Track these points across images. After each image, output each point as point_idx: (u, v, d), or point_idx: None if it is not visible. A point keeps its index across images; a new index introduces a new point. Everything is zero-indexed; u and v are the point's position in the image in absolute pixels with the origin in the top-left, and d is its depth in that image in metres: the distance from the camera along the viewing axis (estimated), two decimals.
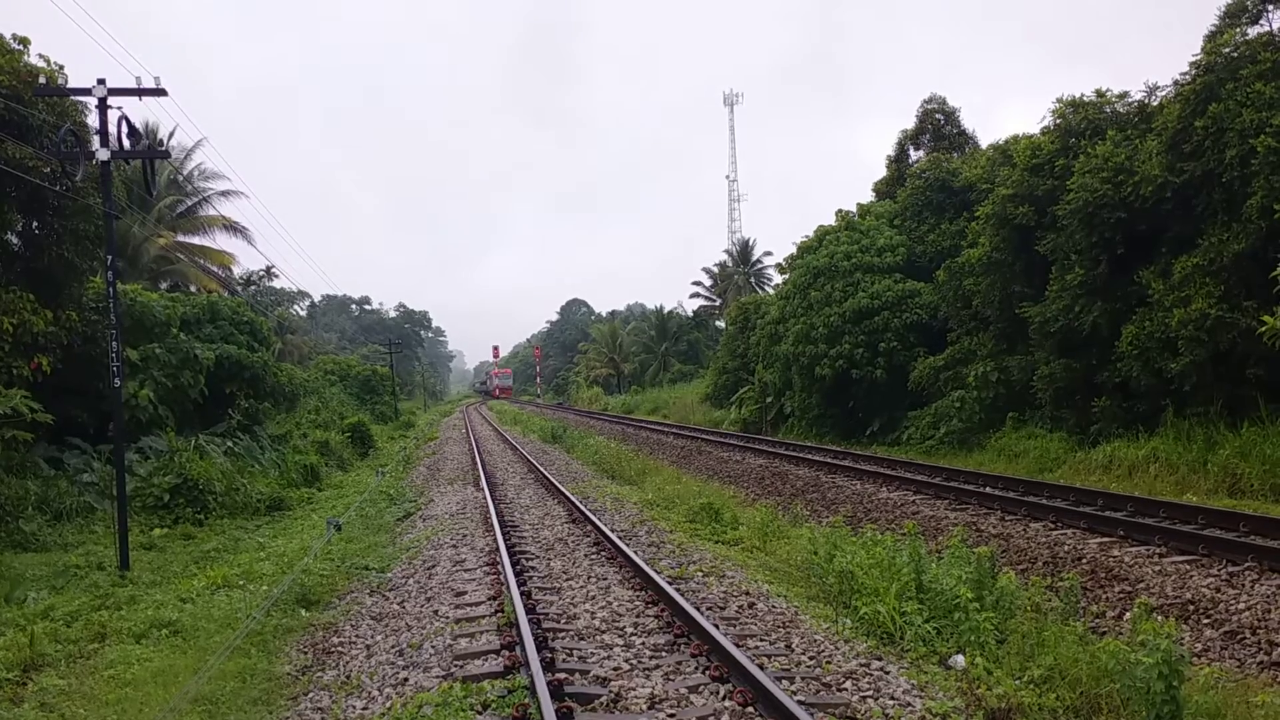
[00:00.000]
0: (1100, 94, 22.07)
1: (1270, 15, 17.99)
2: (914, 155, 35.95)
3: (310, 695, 7.65)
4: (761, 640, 7.97)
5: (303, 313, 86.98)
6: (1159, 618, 8.40)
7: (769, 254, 77.85)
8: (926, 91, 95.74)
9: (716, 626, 7.97)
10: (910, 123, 36.16)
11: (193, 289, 35.69)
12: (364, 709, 7.04)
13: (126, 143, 13.74)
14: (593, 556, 12.12)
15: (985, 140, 33.84)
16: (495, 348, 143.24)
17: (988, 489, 16.06)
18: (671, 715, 6.26)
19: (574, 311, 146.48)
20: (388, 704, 6.96)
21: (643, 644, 7.93)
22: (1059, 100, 22.57)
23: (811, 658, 7.45)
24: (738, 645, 7.44)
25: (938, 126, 35.37)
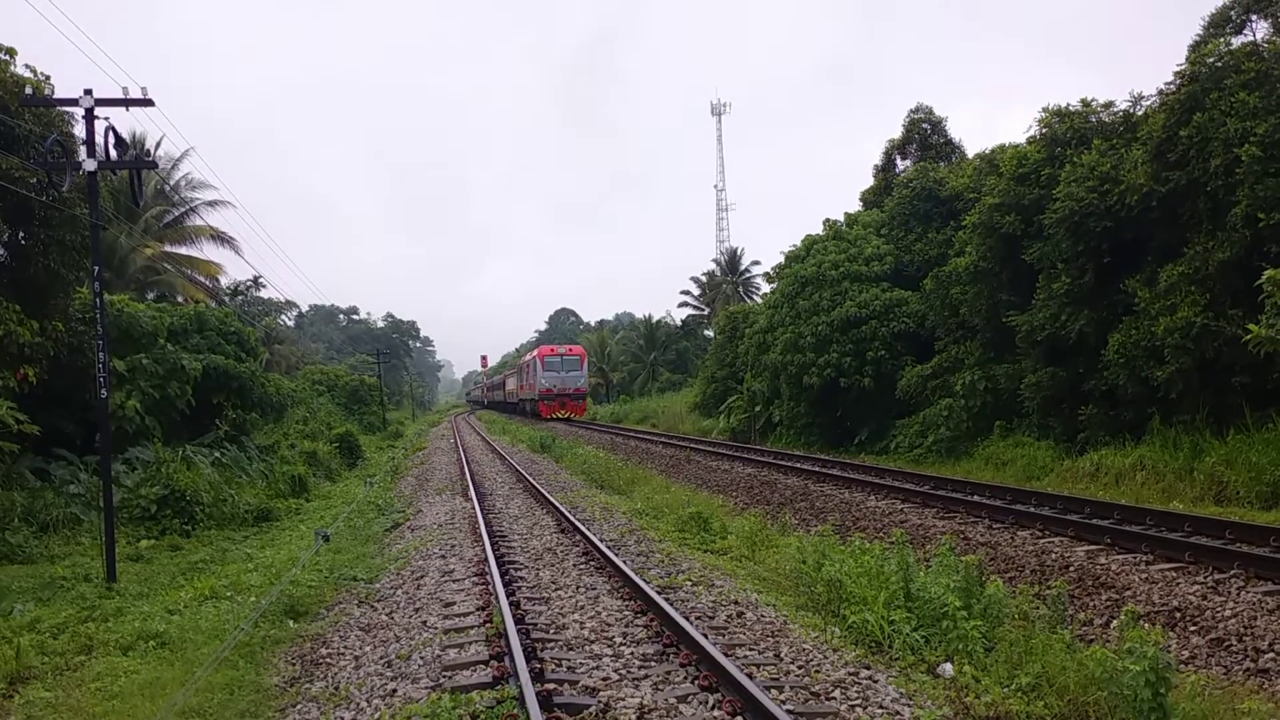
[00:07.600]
0: (1086, 103, 22.24)
1: (1254, 25, 18.20)
2: (901, 165, 36.12)
3: (298, 707, 7.62)
4: (750, 649, 7.97)
5: (290, 323, 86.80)
6: (1146, 625, 8.44)
7: (757, 263, 78.35)
8: (932, 102, 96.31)
9: (705, 636, 7.96)
10: (897, 132, 36.40)
11: (180, 299, 35.58)
12: None
13: (113, 153, 13.71)
14: (581, 566, 12.10)
15: (972, 150, 34.06)
16: (484, 357, 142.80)
17: (975, 497, 16.11)
18: None
19: (562, 321, 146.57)
20: (376, 715, 6.93)
21: (632, 654, 7.92)
22: (1045, 110, 22.76)
23: (800, 666, 7.46)
24: (726, 654, 7.43)
25: (924, 136, 35.54)
